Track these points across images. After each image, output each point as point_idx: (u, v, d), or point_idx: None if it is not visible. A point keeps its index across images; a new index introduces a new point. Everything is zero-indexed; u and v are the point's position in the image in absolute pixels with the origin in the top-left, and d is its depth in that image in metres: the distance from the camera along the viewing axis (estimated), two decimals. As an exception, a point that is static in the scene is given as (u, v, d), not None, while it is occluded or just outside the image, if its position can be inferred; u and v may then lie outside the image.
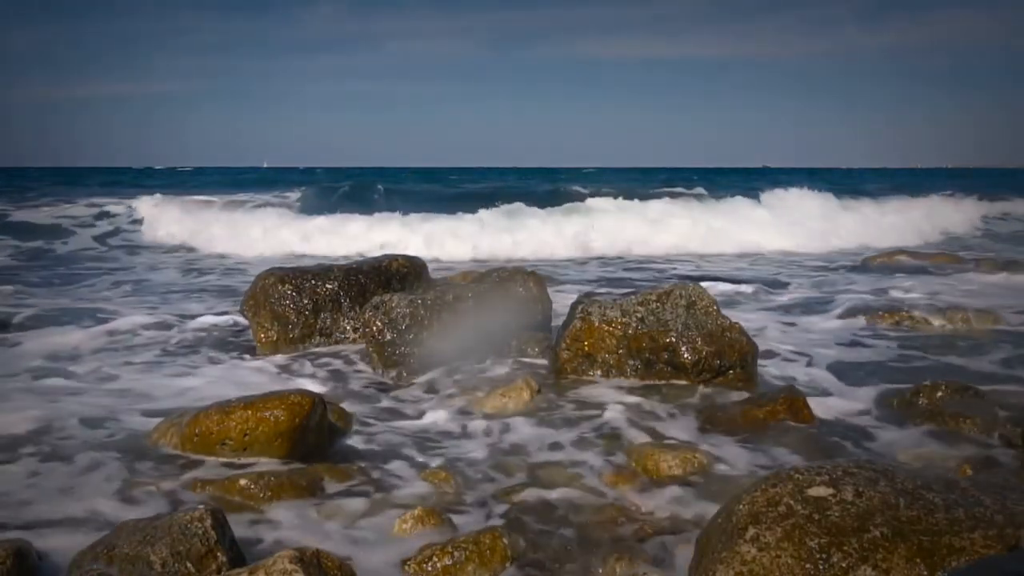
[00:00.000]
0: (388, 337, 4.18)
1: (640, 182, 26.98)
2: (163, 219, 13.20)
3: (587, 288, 7.14)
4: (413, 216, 12.65)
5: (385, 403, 3.81)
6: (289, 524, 2.51)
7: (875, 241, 12.54)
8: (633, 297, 4.19)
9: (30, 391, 3.91)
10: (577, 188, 20.09)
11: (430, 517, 2.44)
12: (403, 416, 3.62)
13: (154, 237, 12.74)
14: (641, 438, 3.23)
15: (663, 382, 3.97)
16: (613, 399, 3.76)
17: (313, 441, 3.08)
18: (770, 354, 4.55)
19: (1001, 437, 3.19)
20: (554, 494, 2.73)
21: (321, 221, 12.60)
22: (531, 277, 4.73)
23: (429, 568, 2.19)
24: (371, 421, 3.53)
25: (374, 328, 4.22)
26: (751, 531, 1.88)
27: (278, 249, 11.37)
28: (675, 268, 9.81)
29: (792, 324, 5.72)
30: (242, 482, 2.72)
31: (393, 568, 2.22)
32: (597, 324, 4.08)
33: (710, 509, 2.29)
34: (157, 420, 3.33)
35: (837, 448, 3.15)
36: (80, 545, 2.19)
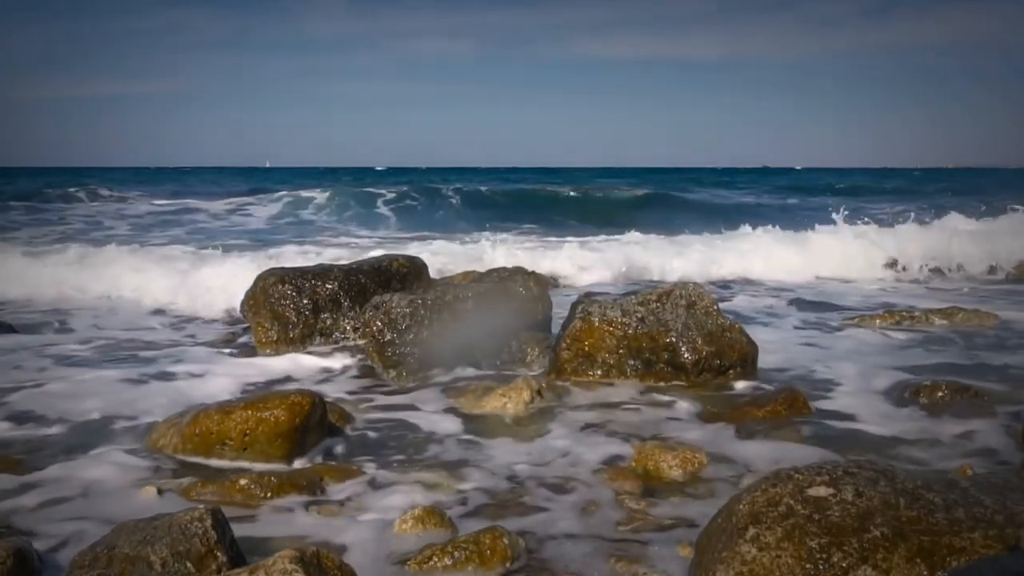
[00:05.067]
0: (388, 337, 4.18)
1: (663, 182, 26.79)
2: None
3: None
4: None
5: (385, 403, 3.81)
6: (289, 524, 2.51)
7: None
8: (633, 297, 4.19)
9: (30, 391, 3.91)
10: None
11: (430, 517, 2.43)
12: (403, 416, 3.61)
13: None
14: (641, 438, 3.23)
15: (663, 382, 3.97)
16: (613, 399, 3.77)
17: (313, 441, 3.08)
18: (770, 353, 4.55)
19: (1001, 437, 3.18)
20: (554, 494, 2.73)
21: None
22: (531, 277, 4.73)
23: (429, 568, 2.19)
24: (371, 421, 3.53)
25: (374, 328, 4.22)
26: (751, 531, 1.88)
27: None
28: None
29: (792, 322, 5.72)
30: (242, 482, 2.72)
31: (393, 568, 2.22)
32: (597, 324, 4.08)
33: (710, 509, 2.29)
34: (157, 420, 3.33)
35: (837, 448, 3.14)
36: (80, 545, 2.19)
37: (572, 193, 21.24)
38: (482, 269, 6.30)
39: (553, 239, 11.05)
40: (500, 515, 2.57)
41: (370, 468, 2.96)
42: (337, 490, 2.76)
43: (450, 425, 3.49)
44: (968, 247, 8.63)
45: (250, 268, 6.29)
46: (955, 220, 9.95)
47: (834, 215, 9.28)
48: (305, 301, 4.78)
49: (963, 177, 41.47)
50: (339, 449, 3.16)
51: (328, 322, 4.81)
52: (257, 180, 34.95)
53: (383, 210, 18.24)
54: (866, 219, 9.29)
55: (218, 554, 2.06)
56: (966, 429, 3.29)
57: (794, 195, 25.26)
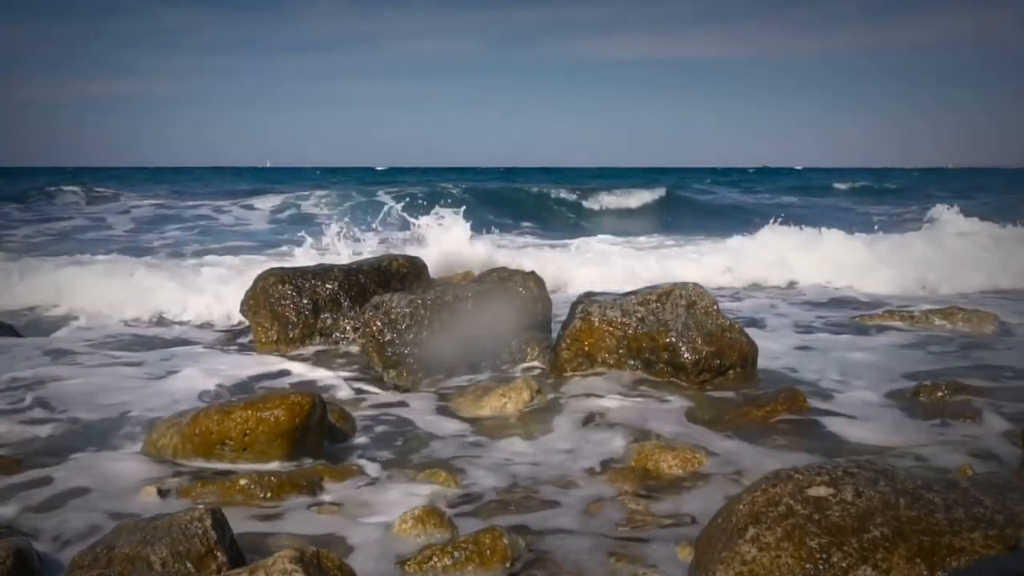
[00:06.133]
0: (388, 337, 4.18)
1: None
2: None
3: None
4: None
5: (385, 403, 3.81)
6: (289, 524, 2.51)
7: None
8: (633, 297, 4.19)
9: (30, 392, 3.91)
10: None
11: (430, 517, 2.43)
12: (403, 416, 3.62)
13: None
14: (641, 438, 3.23)
15: (663, 382, 3.97)
16: (613, 399, 3.76)
17: (313, 441, 3.08)
18: (770, 354, 4.55)
19: (1001, 437, 3.18)
20: (554, 494, 2.73)
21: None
22: (531, 277, 4.72)
23: (429, 568, 2.19)
24: (371, 421, 3.53)
25: (374, 328, 4.22)
26: (751, 531, 1.88)
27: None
28: None
29: (793, 323, 5.72)
30: (242, 482, 2.72)
31: (393, 568, 2.22)
32: (597, 324, 4.08)
33: (710, 509, 2.29)
34: (157, 420, 3.33)
35: (837, 447, 3.15)
36: (80, 545, 2.19)
37: (572, 193, 21.20)
38: (482, 269, 6.29)
39: (553, 239, 11.05)
40: (500, 515, 2.57)
41: (370, 468, 2.96)
42: (337, 490, 2.76)
43: (450, 425, 3.49)
44: (969, 252, 8.62)
45: (250, 268, 6.29)
46: (957, 224, 9.96)
47: (850, 218, 9.26)
48: (305, 301, 4.78)
49: (964, 177, 41.50)
50: (339, 449, 3.16)
51: (328, 322, 4.81)
52: (257, 180, 34.95)
53: (383, 210, 18.20)
54: (857, 226, 9.29)
55: (218, 554, 2.06)
56: (966, 429, 3.29)
57: (794, 195, 25.34)
